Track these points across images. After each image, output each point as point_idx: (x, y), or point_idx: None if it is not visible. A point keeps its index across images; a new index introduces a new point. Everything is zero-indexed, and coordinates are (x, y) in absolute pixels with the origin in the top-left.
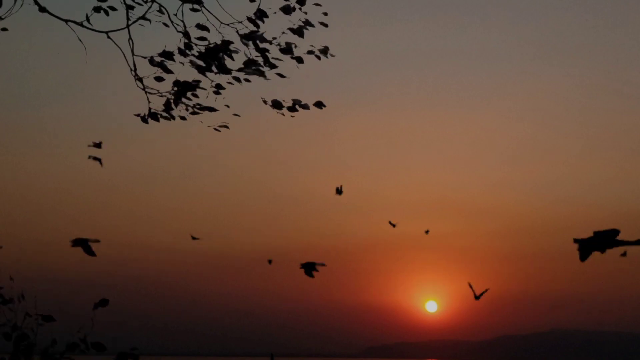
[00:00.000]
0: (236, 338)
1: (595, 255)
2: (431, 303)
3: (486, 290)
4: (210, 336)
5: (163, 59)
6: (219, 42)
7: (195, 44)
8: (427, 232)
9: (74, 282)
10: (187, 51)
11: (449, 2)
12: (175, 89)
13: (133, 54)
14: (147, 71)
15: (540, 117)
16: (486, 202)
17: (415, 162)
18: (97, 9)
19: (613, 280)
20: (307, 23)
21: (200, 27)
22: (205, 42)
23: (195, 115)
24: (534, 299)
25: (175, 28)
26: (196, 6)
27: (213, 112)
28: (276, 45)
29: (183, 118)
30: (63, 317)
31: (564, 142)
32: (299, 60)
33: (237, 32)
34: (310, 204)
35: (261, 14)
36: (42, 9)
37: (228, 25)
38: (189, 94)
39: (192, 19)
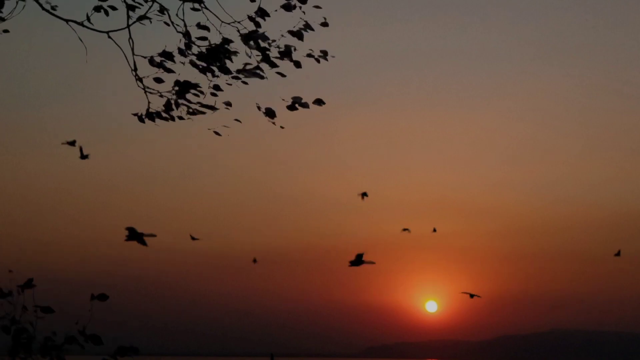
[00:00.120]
0: (236, 338)
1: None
2: (431, 303)
3: (479, 297)
4: (210, 336)
5: (163, 59)
6: (219, 41)
7: (196, 44)
8: (434, 230)
9: (74, 282)
10: (187, 51)
11: (449, 2)
12: (177, 88)
13: (133, 54)
14: (148, 71)
15: (540, 117)
16: (486, 202)
17: (415, 162)
18: (97, 9)
19: (613, 280)
20: (307, 26)
21: (200, 26)
22: (206, 42)
23: (196, 116)
24: (534, 299)
25: (175, 28)
26: (197, 5)
27: (214, 114)
28: (275, 47)
29: (181, 118)
30: (63, 317)
31: (564, 142)
32: (297, 64)
33: (238, 31)
34: (310, 204)
35: (262, 13)
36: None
37: (229, 24)
38: (189, 95)
39: (192, 18)
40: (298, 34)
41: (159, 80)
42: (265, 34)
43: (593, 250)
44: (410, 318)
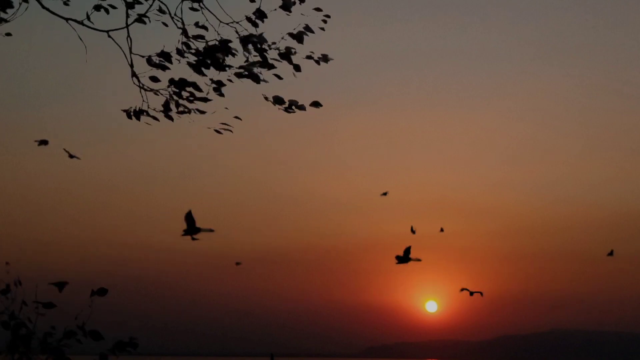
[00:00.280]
0: (236, 338)
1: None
2: (431, 303)
3: (480, 293)
4: (210, 336)
5: (161, 59)
6: (216, 41)
7: (193, 42)
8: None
9: (74, 282)
10: (185, 52)
11: (449, 2)
12: (172, 87)
13: (131, 52)
14: (145, 69)
15: (540, 117)
16: (486, 202)
17: (415, 162)
18: (97, 7)
19: (613, 280)
20: (307, 29)
21: (199, 26)
22: (203, 41)
23: (191, 115)
24: (534, 299)
25: (176, 24)
26: (195, 5)
27: (214, 114)
28: (275, 49)
29: (183, 112)
30: (63, 317)
31: (564, 142)
32: (297, 68)
33: (236, 31)
34: (310, 204)
35: (260, 15)
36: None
37: (227, 24)
38: (187, 95)
39: (191, 18)
40: (298, 37)
41: (154, 78)
42: (263, 35)
43: (593, 250)
44: (410, 318)
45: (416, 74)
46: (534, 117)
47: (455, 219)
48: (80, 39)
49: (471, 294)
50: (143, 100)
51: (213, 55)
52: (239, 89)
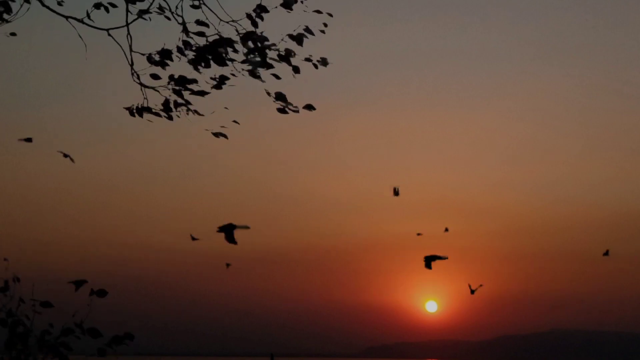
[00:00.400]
0: (236, 338)
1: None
2: (431, 303)
3: (480, 286)
4: (210, 336)
5: (161, 57)
6: (218, 36)
7: (194, 39)
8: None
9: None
10: (185, 50)
11: (449, 2)
12: (172, 83)
13: (131, 50)
14: (146, 67)
15: (540, 117)
16: (486, 202)
17: (415, 162)
18: (97, 6)
19: (613, 280)
20: (307, 30)
21: (199, 23)
22: (204, 38)
23: (193, 115)
24: (534, 299)
25: (176, 20)
26: (196, 2)
27: (212, 115)
28: (275, 50)
29: (181, 105)
30: (63, 317)
31: (564, 142)
32: (296, 70)
33: (236, 30)
34: (310, 204)
35: (261, 10)
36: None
37: (227, 22)
38: (187, 95)
39: (191, 15)
40: (298, 39)
41: (155, 76)
42: (263, 34)
43: (593, 250)
44: (410, 318)
45: (416, 74)
46: (534, 117)
47: (455, 219)
48: (80, 37)
49: (473, 292)
50: (144, 98)
51: (215, 50)
52: (239, 89)
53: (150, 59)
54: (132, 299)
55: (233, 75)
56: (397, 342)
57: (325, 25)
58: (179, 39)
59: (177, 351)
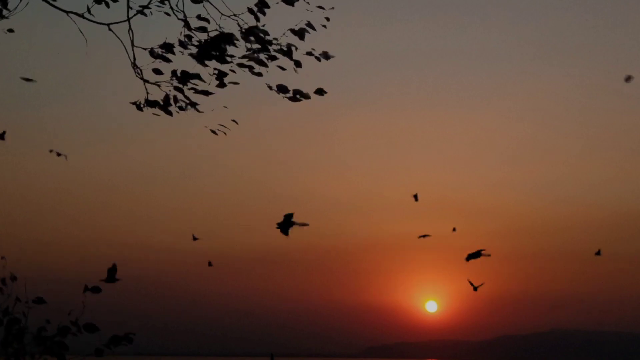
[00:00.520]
0: (236, 338)
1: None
2: (431, 303)
3: (482, 284)
4: (210, 336)
5: (164, 51)
6: (218, 31)
7: (195, 34)
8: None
9: (74, 282)
10: (187, 43)
11: (449, 2)
12: (174, 79)
13: (133, 45)
14: (147, 62)
15: (540, 117)
16: (486, 202)
17: (415, 162)
18: (98, 0)
19: (613, 280)
20: (309, 25)
21: (200, 18)
22: (205, 33)
23: (194, 109)
24: (534, 299)
25: (176, 16)
26: None
27: (211, 114)
28: (276, 45)
29: (182, 108)
30: (63, 317)
31: (564, 142)
32: (298, 64)
33: (238, 24)
34: (310, 204)
35: (262, 5)
36: None
37: (229, 17)
38: (188, 88)
39: (193, 10)
40: (300, 33)
41: (157, 71)
42: (265, 27)
43: (593, 250)
44: (410, 318)
45: (416, 74)
46: (534, 117)
47: (455, 219)
48: (81, 32)
49: (475, 288)
50: (148, 93)
51: (217, 46)
52: (239, 89)
53: (152, 53)
54: (132, 299)
55: (232, 71)
56: (397, 342)
57: (328, 19)
58: (181, 32)
59: (177, 351)
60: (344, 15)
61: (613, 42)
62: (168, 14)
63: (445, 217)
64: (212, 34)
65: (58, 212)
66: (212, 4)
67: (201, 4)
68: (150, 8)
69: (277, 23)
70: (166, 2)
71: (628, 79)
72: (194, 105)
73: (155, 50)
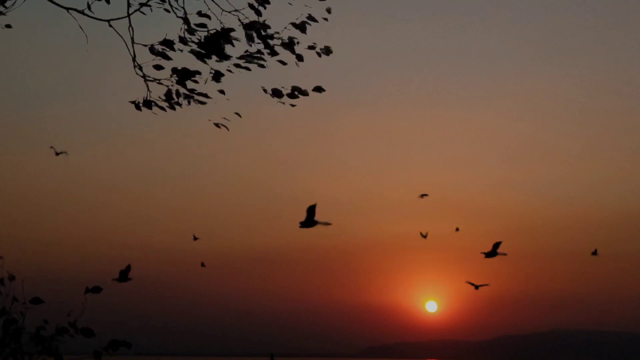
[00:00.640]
0: (236, 338)
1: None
2: (431, 303)
3: (487, 285)
4: (210, 336)
5: (164, 47)
6: (219, 29)
7: (196, 30)
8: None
9: (74, 282)
10: (187, 39)
11: (449, 2)
12: (175, 76)
13: (133, 42)
14: (147, 60)
15: (540, 117)
16: (486, 202)
17: (415, 162)
18: None
19: (613, 280)
20: (310, 18)
21: (201, 14)
22: (205, 29)
23: (196, 104)
24: (534, 299)
25: (176, 13)
26: None
27: (213, 107)
28: (278, 39)
29: (178, 104)
30: (62, 317)
31: (564, 142)
32: (299, 57)
33: (238, 19)
34: (310, 204)
35: (263, 1)
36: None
37: (229, 12)
38: (189, 84)
39: (193, 6)
40: (301, 26)
41: (158, 67)
42: (266, 22)
43: (592, 250)
44: (410, 318)
45: (416, 74)
46: (534, 117)
47: (455, 219)
48: (81, 28)
49: (476, 287)
50: (149, 90)
51: (217, 44)
52: (239, 88)
53: (152, 49)
54: (132, 299)
55: (229, 71)
56: (397, 342)
57: (329, 11)
58: (181, 29)
59: (177, 351)
60: (344, 15)
61: (613, 42)
62: (168, 11)
63: (445, 217)
64: (212, 32)
65: (58, 212)
66: (213, 0)
67: (202, 0)
68: (150, 6)
69: (278, 19)
70: (166, 0)
71: None
72: (199, 95)
73: (156, 47)
